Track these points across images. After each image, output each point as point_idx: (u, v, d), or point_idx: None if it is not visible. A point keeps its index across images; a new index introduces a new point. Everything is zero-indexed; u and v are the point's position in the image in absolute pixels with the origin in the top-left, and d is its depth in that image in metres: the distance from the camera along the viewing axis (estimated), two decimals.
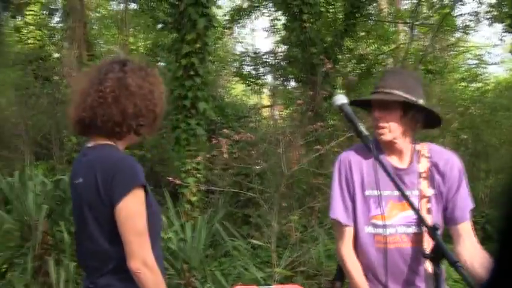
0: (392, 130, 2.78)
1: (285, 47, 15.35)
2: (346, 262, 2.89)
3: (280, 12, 14.39)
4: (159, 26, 14.66)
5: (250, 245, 7.89)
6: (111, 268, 2.47)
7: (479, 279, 2.62)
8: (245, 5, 18.27)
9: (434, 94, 14.64)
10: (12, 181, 6.30)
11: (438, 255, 2.29)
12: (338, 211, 2.89)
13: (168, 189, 8.48)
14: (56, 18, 18.76)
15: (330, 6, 13.77)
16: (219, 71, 20.04)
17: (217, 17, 19.01)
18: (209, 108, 8.82)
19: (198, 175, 8.50)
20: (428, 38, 15.07)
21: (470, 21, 15.17)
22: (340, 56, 12.58)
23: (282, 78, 17.75)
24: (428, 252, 2.39)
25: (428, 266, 2.74)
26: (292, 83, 16.69)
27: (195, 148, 8.57)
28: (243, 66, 17.89)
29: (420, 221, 2.54)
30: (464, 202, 2.85)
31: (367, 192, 2.84)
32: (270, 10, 17.14)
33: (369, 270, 2.88)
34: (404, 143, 2.85)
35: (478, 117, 14.23)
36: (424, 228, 2.71)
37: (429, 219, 2.77)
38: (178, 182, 7.62)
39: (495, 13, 15.53)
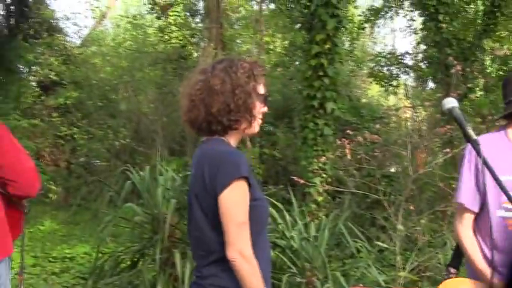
0: None
1: (424, 47, 15.03)
2: (464, 244, 3.01)
3: (416, 12, 14.09)
4: (296, 26, 14.80)
5: (377, 247, 7.83)
6: (215, 258, 2.55)
7: None
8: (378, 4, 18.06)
9: None
10: (143, 175, 6.59)
11: None
12: (464, 195, 3.02)
13: (296, 188, 8.59)
14: (197, 19, 19.42)
15: (469, 6, 13.34)
16: (355, 71, 19.93)
17: (355, 17, 18.98)
18: (337, 108, 8.82)
19: (324, 175, 8.53)
20: None
21: None
22: (480, 57, 12.15)
23: (419, 80, 17.42)
24: None
25: None
26: (431, 84, 16.35)
27: (322, 148, 8.60)
28: (378, 67, 17.67)
29: None
30: None
31: (503, 178, 2.75)
32: (406, 10, 16.81)
33: (493, 256, 2.89)
34: None
35: None
36: None
37: None
38: (302, 181, 7.69)
39: None
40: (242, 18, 20.84)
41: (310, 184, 8.40)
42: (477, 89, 12.26)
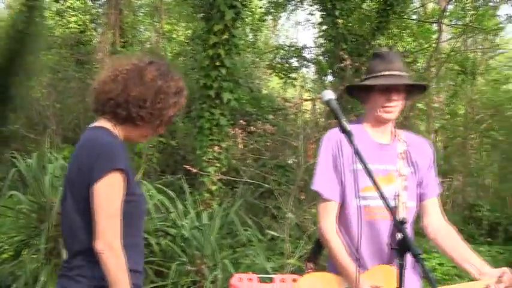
0: (399, 110, 3.05)
1: (323, 41, 15.35)
2: (328, 239, 2.97)
3: (316, 7, 14.39)
4: (199, 15, 14.78)
5: (269, 236, 8.00)
6: (84, 249, 2.53)
7: (442, 248, 3.02)
8: None
9: (465, 94, 14.56)
10: (30, 162, 6.42)
11: (404, 247, 2.36)
12: (320, 183, 3.03)
13: (193, 177, 8.65)
14: (98, 4, 19.00)
15: (365, 3, 13.75)
16: (257, 63, 20.09)
17: (257, 9, 19.12)
18: (234, 99, 8.92)
19: (218, 165, 8.63)
20: (461, 39, 14.92)
21: (508, 21, 14.97)
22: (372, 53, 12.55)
23: (319, 73, 17.74)
24: (394, 245, 2.45)
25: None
26: (330, 78, 16.70)
27: (218, 138, 8.69)
28: (278, 59, 17.92)
29: (390, 213, 2.49)
30: (434, 180, 3.15)
31: (354, 166, 2.93)
32: (306, 4, 17.13)
33: (353, 246, 2.95)
34: (392, 123, 3.14)
35: (508, 120, 14.09)
36: (399, 202, 2.98)
37: (405, 196, 3.00)
38: (194, 170, 7.75)
39: None
40: (144, 6, 20.58)
41: (204, 173, 8.47)
42: None
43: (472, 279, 2.91)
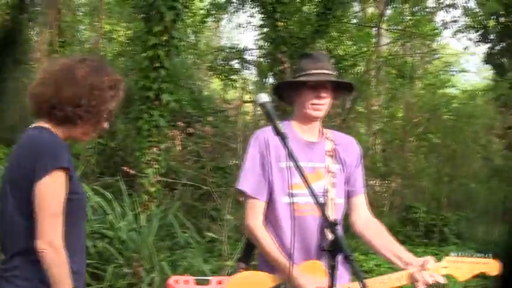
0: (327, 109, 3.14)
1: (264, 43, 15.41)
2: (259, 236, 3.02)
3: (256, 9, 14.43)
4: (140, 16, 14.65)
5: (208, 238, 7.99)
6: (22, 249, 2.50)
7: (371, 244, 3.12)
8: None
9: (403, 98, 14.82)
10: None
11: (335, 249, 2.39)
12: (246, 183, 3.08)
13: (133, 179, 8.58)
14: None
15: (305, 6, 13.87)
16: (199, 64, 20.05)
17: (199, 11, 19.07)
18: (173, 100, 8.88)
19: (157, 166, 8.57)
20: (398, 43, 15.22)
21: (444, 27, 15.35)
22: None
23: (261, 75, 17.80)
24: (326, 246, 2.49)
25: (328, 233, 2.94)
26: (271, 80, 16.76)
27: (156, 139, 8.63)
28: (219, 61, 17.93)
29: (322, 215, 2.67)
30: (361, 178, 3.28)
31: (282, 164, 3.02)
32: (247, 6, 17.16)
33: (282, 243, 3.00)
34: (320, 122, 3.23)
35: (444, 123, 14.41)
36: (328, 198, 3.06)
37: (334, 192, 3.10)
38: (132, 172, 7.69)
39: (469, 22, 15.76)
40: (83, 5, 20.31)
41: (142, 175, 8.41)
42: None
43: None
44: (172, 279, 4.33)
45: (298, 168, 2.58)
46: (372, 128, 14.65)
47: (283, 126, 2.90)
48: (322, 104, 3.10)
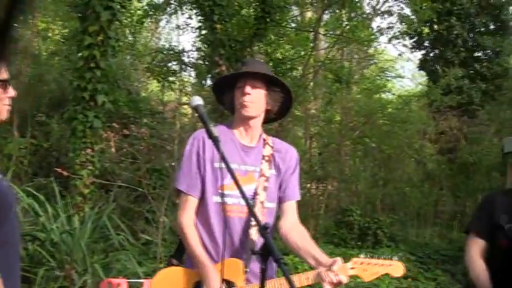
0: (256, 107, 3.20)
1: (204, 46, 15.37)
2: (185, 231, 3.13)
3: (194, 11, 14.37)
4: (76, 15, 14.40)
5: (143, 240, 7.93)
6: None
7: (293, 247, 3.19)
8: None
9: (339, 102, 15.01)
10: None
11: (266, 252, 2.41)
12: (182, 180, 3.20)
13: (67, 181, 8.45)
14: None
15: (244, 10, 13.88)
16: (136, 65, 19.85)
17: (137, 11, 18.88)
18: (109, 101, 8.76)
19: (91, 168, 8.45)
20: (335, 48, 15.40)
21: (380, 33, 15.61)
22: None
23: (198, 77, 17.72)
24: (257, 249, 2.53)
25: (252, 233, 3.12)
26: (209, 82, 16.72)
27: (91, 140, 8.51)
28: (156, 62, 17.78)
29: (254, 219, 2.80)
30: (295, 186, 3.36)
31: (216, 164, 3.13)
32: (185, 8, 17.06)
33: (210, 241, 3.15)
34: (257, 123, 3.30)
35: (379, 127, 14.66)
36: (257, 200, 3.17)
37: (264, 196, 3.20)
38: (65, 173, 7.57)
39: (404, 29, 16.10)
40: None
41: (76, 176, 8.28)
42: None
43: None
44: (105, 282, 4.30)
45: (229, 170, 2.63)
46: (308, 131, 14.78)
47: (222, 129, 3.15)
48: (247, 101, 3.16)
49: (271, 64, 14.91)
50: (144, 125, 11.36)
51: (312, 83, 14.91)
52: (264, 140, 3.33)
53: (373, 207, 14.31)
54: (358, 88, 18.01)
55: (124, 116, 13.06)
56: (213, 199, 3.16)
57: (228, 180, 3.06)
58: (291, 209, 3.33)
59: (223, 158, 2.65)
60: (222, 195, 3.11)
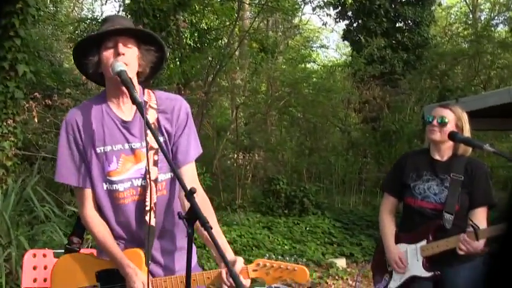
0: (131, 69, 2.81)
1: (127, 15, 15.09)
2: (91, 227, 2.86)
3: None
4: None
5: (70, 212, 7.82)
6: None
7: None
8: None
9: (265, 72, 15.08)
10: None
11: (192, 217, 2.40)
12: (65, 174, 2.86)
13: None
14: None
15: None
16: (58, 35, 19.37)
17: None
18: (30, 71, 8.52)
19: (13, 139, 8.25)
20: (260, 18, 15.41)
21: (304, 3, 15.71)
22: (175, 28, 12.52)
23: None
24: (183, 214, 2.46)
25: (148, 218, 2.80)
26: None
27: (12, 111, 8.29)
28: (79, 32, 17.39)
29: (180, 185, 2.47)
30: (188, 146, 2.93)
31: (98, 150, 2.81)
32: None
33: (112, 229, 2.88)
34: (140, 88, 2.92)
35: (304, 97, 14.81)
36: (149, 179, 2.80)
37: (156, 171, 2.84)
38: None
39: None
40: None
41: None
42: (175, 59, 12.68)
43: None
44: (29, 253, 4.25)
45: (159, 145, 2.55)
46: (234, 101, 14.81)
47: (96, 105, 2.83)
48: (123, 62, 2.76)
49: (196, 34, 14.84)
50: (68, 95, 11.16)
51: (237, 53, 14.90)
52: (146, 103, 2.88)
53: (300, 176, 14.52)
54: (283, 58, 18.12)
55: (47, 87, 12.76)
56: (102, 187, 2.84)
57: (115, 165, 2.80)
58: (186, 175, 2.86)
59: (148, 126, 2.54)
60: (111, 182, 2.82)
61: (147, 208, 2.81)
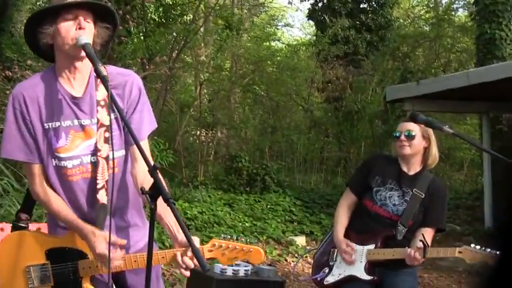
0: (88, 37, 2.69)
1: None
2: (44, 199, 2.79)
3: None
4: None
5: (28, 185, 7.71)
6: None
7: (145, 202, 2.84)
8: None
9: (230, 50, 15.02)
10: None
11: (156, 192, 2.39)
12: (11, 149, 2.78)
13: None
14: None
15: None
16: (18, 6, 19.02)
17: None
18: None
19: None
20: None
21: None
22: (139, 3, 12.39)
23: None
24: (146, 189, 2.43)
25: (100, 196, 2.78)
26: None
27: None
28: (41, 3, 17.11)
29: (144, 160, 2.42)
30: (141, 123, 2.86)
31: (46, 125, 2.74)
32: None
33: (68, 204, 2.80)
34: (85, 64, 2.78)
35: (269, 75, 14.82)
36: (99, 157, 2.76)
37: (107, 149, 2.78)
38: None
39: None
40: None
41: None
42: (140, 33, 12.57)
43: None
44: None
45: (123, 121, 2.52)
46: (199, 78, 14.73)
47: (45, 79, 2.75)
48: (83, 29, 2.68)
49: (161, 9, 14.70)
50: (28, 68, 10.99)
51: (202, 30, 14.81)
52: (96, 79, 2.76)
53: (262, 154, 14.58)
54: (248, 36, 18.07)
55: (6, 58, 12.56)
56: (51, 162, 2.77)
57: (63, 141, 2.74)
58: (139, 153, 2.63)
59: (112, 98, 2.50)
60: (59, 159, 2.75)
61: (99, 186, 2.77)
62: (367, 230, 3.95)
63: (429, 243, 3.79)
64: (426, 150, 3.95)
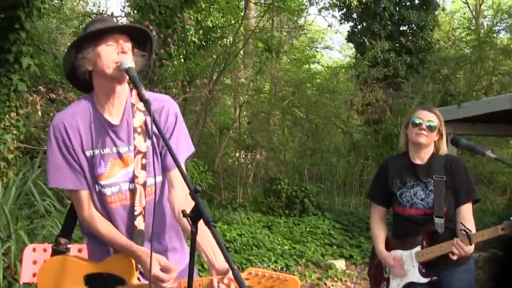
0: (130, 61, 2.72)
1: (133, 11, 15.09)
2: (95, 224, 2.80)
3: None
4: None
5: (69, 206, 7.78)
6: None
7: (183, 227, 2.82)
8: None
9: (269, 72, 15.07)
10: None
11: (196, 215, 2.38)
12: (61, 178, 2.78)
13: None
14: None
15: None
16: (63, 29, 19.38)
17: None
18: (34, 64, 8.50)
19: (15, 132, 8.23)
20: (265, 17, 15.40)
21: (310, 3, 15.70)
22: (180, 25, 12.53)
23: None
24: (188, 212, 2.42)
25: (138, 223, 2.81)
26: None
27: (15, 104, 8.27)
28: (83, 27, 17.39)
29: (186, 184, 2.35)
30: (177, 149, 2.82)
31: (87, 153, 2.78)
32: None
33: None
34: (124, 90, 2.83)
35: (308, 98, 14.80)
36: (137, 184, 2.79)
37: (144, 175, 2.81)
38: None
39: (333, 0, 16.24)
40: None
41: (0, 141, 8.06)
42: (180, 56, 12.70)
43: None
44: (29, 248, 4.20)
45: (166, 144, 2.43)
46: (238, 100, 14.79)
47: (83, 106, 2.78)
48: (125, 53, 2.72)
49: (201, 32, 14.84)
50: (71, 90, 11.13)
51: (242, 52, 14.90)
52: (133, 105, 2.84)
53: (301, 176, 14.51)
54: (287, 58, 18.11)
55: (50, 80, 12.74)
56: (95, 189, 2.80)
57: (103, 169, 2.77)
58: (176, 179, 2.82)
59: (154, 122, 2.45)
60: (101, 186, 2.78)
61: (136, 213, 2.80)
62: (408, 233, 3.92)
63: (472, 221, 3.80)
64: (435, 143, 3.96)
